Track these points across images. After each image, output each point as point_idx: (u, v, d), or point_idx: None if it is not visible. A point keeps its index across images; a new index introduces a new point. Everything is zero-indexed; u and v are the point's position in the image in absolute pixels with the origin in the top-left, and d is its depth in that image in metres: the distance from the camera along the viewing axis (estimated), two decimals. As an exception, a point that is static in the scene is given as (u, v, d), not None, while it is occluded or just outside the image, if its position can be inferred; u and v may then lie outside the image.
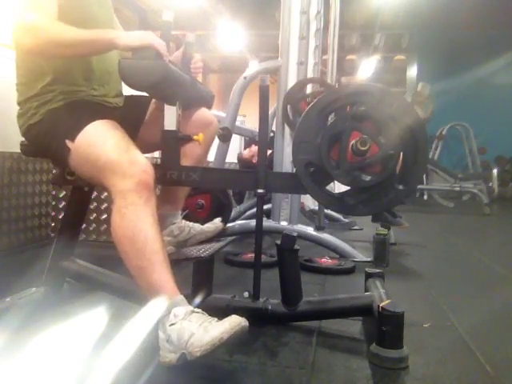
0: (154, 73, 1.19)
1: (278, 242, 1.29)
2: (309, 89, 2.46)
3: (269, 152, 1.51)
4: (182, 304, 1.10)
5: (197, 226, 1.72)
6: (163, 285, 1.11)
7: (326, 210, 3.00)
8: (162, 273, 1.12)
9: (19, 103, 1.38)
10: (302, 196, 2.73)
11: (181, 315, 1.06)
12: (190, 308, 1.09)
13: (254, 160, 3.27)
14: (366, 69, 10.34)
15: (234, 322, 1.01)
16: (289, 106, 2.36)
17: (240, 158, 3.54)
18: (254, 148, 3.42)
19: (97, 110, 1.35)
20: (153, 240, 1.13)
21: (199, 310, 1.10)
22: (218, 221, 1.82)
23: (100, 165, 1.19)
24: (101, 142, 1.22)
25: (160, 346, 1.07)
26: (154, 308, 1.10)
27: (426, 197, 6.76)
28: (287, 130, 2.43)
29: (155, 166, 1.32)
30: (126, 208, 1.13)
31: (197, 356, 0.99)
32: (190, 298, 1.23)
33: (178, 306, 1.09)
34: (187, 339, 1.01)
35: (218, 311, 1.32)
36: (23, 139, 1.43)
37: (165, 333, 1.06)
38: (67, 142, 1.25)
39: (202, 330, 1.01)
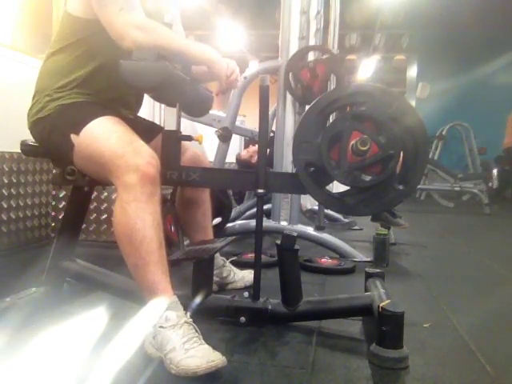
0: (156, 74, 1.19)
1: (278, 241, 1.29)
2: (310, 57, 2.45)
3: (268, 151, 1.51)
4: (174, 307, 1.12)
5: (238, 272, 1.76)
6: (156, 285, 1.13)
7: (326, 210, 3.00)
8: (155, 273, 1.13)
9: (33, 96, 1.39)
10: (302, 196, 2.73)
11: (172, 321, 1.08)
12: (183, 317, 1.10)
13: (253, 160, 3.27)
14: (366, 69, 10.33)
15: (213, 362, 1.00)
16: (291, 74, 2.36)
17: (238, 159, 3.54)
18: (252, 148, 3.42)
19: (104, 109, 1.36)
20: (150, 240, 1.13)
21: (190, 321, 1.11)
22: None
23: (104, 159, 1.20)
24: (104, 137, 1.23)
25: (146, 337, 1.10)
26: (153, 309, 1.11)
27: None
28: (287, 129, 2.43)
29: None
30: (128, 204, 1.14)
31: (171, 373, 1.02)
32: (189, 298, 1.23)
33: (171, 309, 1.10)
34: (168, 351, 1.04)
35: (218, 311, 1.33)
36: (23, 139, 1.43)
37: (154, 329, 1.09)
38: (72, 136, 1.26)
39: (182, 351, 1.02)
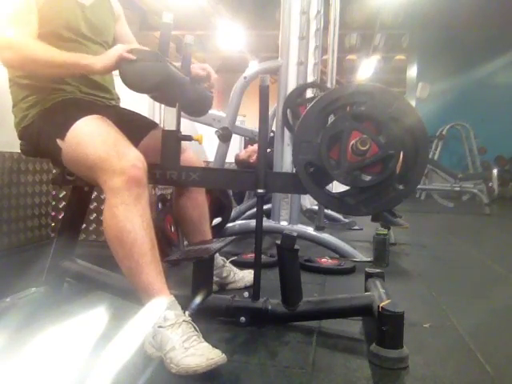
0: (155, 74, 1.19)
1: (278, 242, 1.29)
2: (309, 93, 2.46)
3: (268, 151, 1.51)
4: (172, 307, 1.12)
5: (238, 272, 1.76)
6: (151, 286, 1.13)
7: (326, 210, 3.00)
8: (150, 274, 1.13)
9: (12, 106, 1.38)
10: (302, 196, 2.73)
11: (170, 321, 1.08)
12: (182, 316, 1.10)
13: (251, 160, 3.27)
14: (366, 69, 10.34)
15: (212, 359, 1.00)
16: (288, 111, 2.38)
17: (237, 160, 3.54)
18: (250, 148, 3.41)
19: (86, 106, 1.35)
20: (141, 242, 1.13)
21: (188, 319, 1.11)
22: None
23: (90, 163, 1.19)
24: (89, 140, 1.22)
25: (145, 337, 1.10)
26: (152, 309, 1.11)
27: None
28: (287, 129, 2.43)
29: (155, 165, 1.32)
30: (117, 207, 1.14)
31: (171, 372, 1.02)
32: (190, 298, 1.23)
33: (169, 309, 1.10)
34: (168, 350, 1.04)
35: (218, 311, 1.33)
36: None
37: (153, 329, 1.09)
38: (58, 141, 1.25)
39: (182, 350, 1.02)
